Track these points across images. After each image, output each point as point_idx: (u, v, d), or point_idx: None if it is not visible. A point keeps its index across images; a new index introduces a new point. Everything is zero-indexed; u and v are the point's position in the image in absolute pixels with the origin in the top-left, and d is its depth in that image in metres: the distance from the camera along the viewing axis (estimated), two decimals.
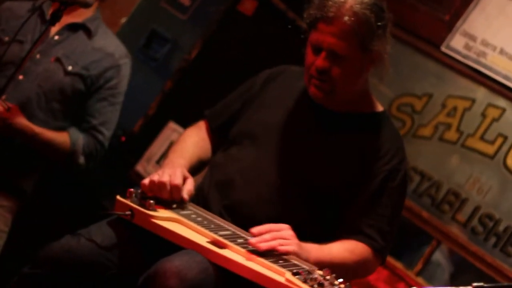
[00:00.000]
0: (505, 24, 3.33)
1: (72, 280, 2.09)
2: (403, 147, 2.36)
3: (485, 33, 3.36)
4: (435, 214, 3.29)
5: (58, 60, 2.86)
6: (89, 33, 2.93)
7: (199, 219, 2.15)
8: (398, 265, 3.23)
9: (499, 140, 3.25)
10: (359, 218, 2.24)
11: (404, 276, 3.22)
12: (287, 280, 1.83)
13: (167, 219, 2.11)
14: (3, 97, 2.72)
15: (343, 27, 2.20)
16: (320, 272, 1.82)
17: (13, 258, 2.21)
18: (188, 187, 2.21)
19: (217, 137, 2.54)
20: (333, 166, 2.29)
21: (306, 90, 2.35)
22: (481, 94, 3.35)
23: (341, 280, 1.80)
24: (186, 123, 3.80)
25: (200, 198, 2.36)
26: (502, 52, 3.31)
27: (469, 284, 1.50)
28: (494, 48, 3.33)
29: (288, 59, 3.59)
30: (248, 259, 1.96)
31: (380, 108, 2.40)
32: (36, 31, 2.87)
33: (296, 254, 2.01)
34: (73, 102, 2.89)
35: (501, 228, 3.15)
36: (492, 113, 3.30)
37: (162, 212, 2.14)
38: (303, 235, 2.06)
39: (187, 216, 2.15)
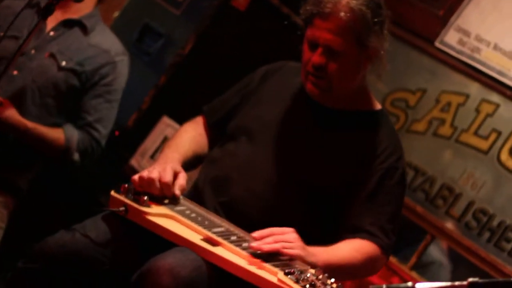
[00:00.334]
0: (499, 19, 3.33)
1: (67, 275, 2.09)
2: (401, 145, 2.36)
3: (479, 29, 3.36)
4: (429, 209, 3.29)
5: (52, 55, 2.86)
6: (85, 30, 2.92)
7: (193, 215, 2.15)
8: (392, 259, 3.23)
9: (493, 136, 3.26)
10: (360, 216, 2.24)
11: (398, 270, 3.22)
12: (279, 280, 1.84)
13: (160, 216, 2.11)
14: None
15: (339, 23, 2.20)
16: (313, 272, 1.82)
17: (9, 254, 2.20)
18: (180, 182, 2.20)
19: (214, 132, 2.53)
20: (330, 163, 2.29)
21: (303, 86, 2.35)
22: (475, 89, 3.35)
23: (333, 280, 1.80)
24: (180, 118, 3.83)
25: (195, 193, 2.35)
26: (496, 47, 3.31)
27: (465, 280, 1.50)
28: (488, 44, 3.34)
29: (282, 54, 3.58)
30: (242, 258, 1.95)
31: (378, 106, 2.40)
32: (32, 27, 2.86)
33: (301, 258, 1.99)
34: (68, 98, 2.88)
35: (495, 223, 3.15)
36: (486, 108, 3.30)
37: (156, 208, 2.14)
38: (299, 233, 2.05)
39: (181, 212, 2.14)
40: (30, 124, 2.79)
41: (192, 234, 2.05)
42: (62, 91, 2.87)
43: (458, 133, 3.33)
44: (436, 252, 3.33)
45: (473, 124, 3.31)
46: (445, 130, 3.37)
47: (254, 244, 1.96)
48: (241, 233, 2.10)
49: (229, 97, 2.54)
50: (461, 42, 3.39)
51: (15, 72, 2.83)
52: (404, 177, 2.33)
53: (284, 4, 3.90)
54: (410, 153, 3.33)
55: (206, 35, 4.03)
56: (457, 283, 1.51)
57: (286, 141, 2.34)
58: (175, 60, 4.03)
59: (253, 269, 1.90)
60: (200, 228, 2.07)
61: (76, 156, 2.90)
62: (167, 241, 2.05)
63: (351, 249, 2.18)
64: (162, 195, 2.18)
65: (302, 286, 1.78)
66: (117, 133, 3.84)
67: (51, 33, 2.90)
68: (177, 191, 2.19)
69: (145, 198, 2.12)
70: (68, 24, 2.93)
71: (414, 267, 3.25)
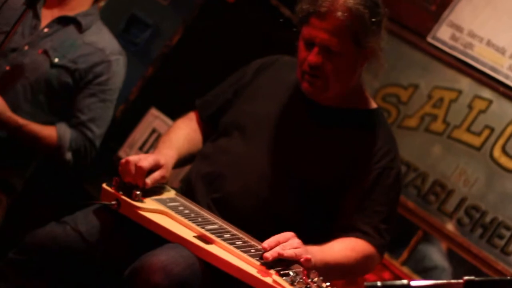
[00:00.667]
0: (492, 15, 3.33)
1: (57, 267, 2.08)
2: (396, 145, 2.36)
3: (472, 24, 3.36)
4: (421, 205, 3.29)
5: (45, 52, 2.82)
6: (79, 27, 2.87)
7: (187, 211, 2.13)
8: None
9: (486, 132, 3.26)
10: (354, 216, 2.24)
11: (389, 265, 3.22)
12: (274, 281, 1.83)
13: (153, 211, 2.10)
14: None
15: (336, 23, 2.18)
16: (308, 274, 1.81)
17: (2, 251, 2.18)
18: (154, 175, 2.17)
19: (208, 127, 2.52)
20: (325, 160, 2.28)
21: (298, 83, 2.33)
22: (467, 85, 3.35)
23: (328, 283, 1.79)
24: (168, 110, 3.82)
25: (187, 189, 2.33)
26: (489, 43, 3.31)
27: (460, 278, 1.51)
28: (481, 40, 3.34)
29: (271, 46, 3.58)
30: (236, 256, 1.94)
31: (373, 105, 2.40)
32: (26, 24, 2.82)
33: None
34: (60, 96, 2.84)
35: (487, 219, 3.16)
36: (479, 104, 3.30)
37: (149, 204, 2.13)
38: (291, 230, 2.03)
39: (174, 209, 2.13)
40: (21, 120, 2.75)
41: (185, 230, 2.04)
42: (55, 88, 2.83)
43: (451, 129, 3.34)
44: (438, 256, 3.33)
45: (465, 120, 3.31)
46: (438, 126, 3.37)
47: (268, 254, 1.91)
48: (234, 230, 2.08)
49: (222, 91, 2.52)
50: (453, 37, 3.39)
51: (7, 68, 2.79)
52: (399, 177, 2.34)
53: None
54: (402, 149, 3.29)
55: (194, 26, 4.01)
56: (452, 281, 1.51)
57: (280, 137, 2.33)
58: (162, 51, 4.01)
59: (248, 268, 1.89)
60: (193, 225, 2.05)
61: (68, 156, 2.85)
62: (159, 237, 2.04)
63: (346, 248, 2.18)
64: (134, 181, 2.14)
65: None
66: None
67: (45, 30, 2.87)
68: (147, 180, 2.15)
69: (138, 192, 2.11)
70: (63, 21, 2.90)
71: (405, 263, 3.25)
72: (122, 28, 4.13)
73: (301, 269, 1.87)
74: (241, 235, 2.05)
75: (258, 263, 1.90)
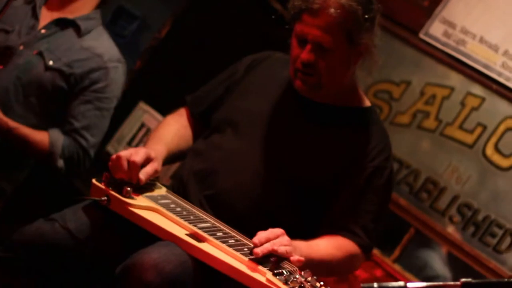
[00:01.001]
0: (485, 12, 3.33)
1: (45, 265, 2.05)
2: (390, 144, 2.35)
3: (464, 21, 3.35)
4: (413, 202, 3.29)
5: (40, 53, 2.77)
6: (78, 31, 2.81)
7: (178, 209, 2.11)
8: (376, 251, 3.23)
9: (479, 130, 3.26)
10: (344, 214, 2.23)
11: (381, 263, 3.22)
12: (268, 280, 1.81)
13: (144, 208, 2.07)
14: None
15: (329, 20, 2.16)
16: (302, 273, 1.80)
17: None
18: (147, 169, 2.15)
19: (199, 123, 2.50)
20: (318, 157, 2.28)
21: (291, 80, 2.31)
22: (460, 82, 3.34)
23: (322, 282, 1.78)
24: (157, 104, 3.79)
25: (179, 186, 2.32)
26: (482, 40, 3.31)
27: (458, 280, 1.51)
28: (473, 36, 3.33)
29: (260, 39, 3.55)
30: (228, 255, 1.92)
31: (367, 103, 2.39)
32: (24, 23, 2.76)
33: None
34: (53, 100, 2.77)
35: (479, 217, 3.16)
36: (472, 102, 3.30)
37: (140, 200, 2.10)
38: (284, 228, 2.02)
39: (166, 206, 2.11)
40: (12, 123, 2.70)
41: (177, 228, 2.02)
42: (47, 91, 2.76)
43: (443, 126, 3.33)
44: (439, 265, 3.32)
45: (458, 118, 3.31)
46: (430, 123, 3.37)
47: (258, 250, 1.91)
48: (227, 229, 2.07)
49: (213, 88, 2.51)
50: (446, 34, 3.38)
51: (0, 67, 2.73)
52: (392, 177, 2.33)
53: None
54: (394, 146, 3.27)
55: (183, 18, 3.98)
56: (449, 283, 1.51)
57: (273, 134, 2.31)
58: (151, 43, 3.98)
59: (241, 267, 1.88)
60: (185, 223, 2.03)
61: (60, 163, 2.78)
62: (150, 234, 2.02)
63: (332, 246, 2.18)
64: (128, 178, 2.11)
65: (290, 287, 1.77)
66: None
67: (42, 31, 2.81)
68: (141, 176, 2.12)
69: (129, 189, 2.08)
70: (61, 23, 2.84)
71: (397, 260, 3.25)
72: (109, 20, 4.09)
73: (295, 268, 1.87)
74: (233, 234, 2.04)
75: (252, 263, 1.88)
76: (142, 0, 4.13)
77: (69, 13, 2.84)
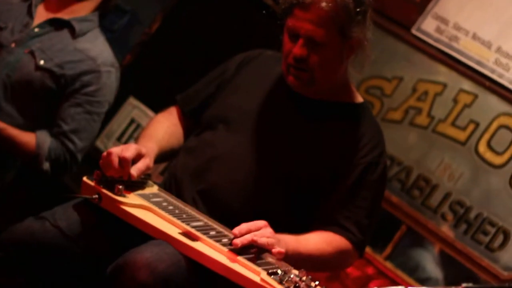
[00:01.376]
0: (478, 8, 3.32)
1: (36, 264, 2.03)
2: (383, 140, 2.35)
3: (457, 17, 3.34)
4: (404, 199, 3.29)
5: (31, 52, 2.72)
6: (73, 32, 2.77)
7: (171, 207, 2.10)
8: (367, 249, 3.21)
9: (471, 127, 3.26)
10: (336, 209, 2.22)
11: (372, 260, 3.22)
12: (262, 280, 1.80)
13: (136, 206, 2.05)
14: None
15: (321, 14, 2.16)
16: (296, 273, 1.79)
17: None
18: (139, 165, 2.13)
19: (190, 121, 2.49)
20: (311, 153, 2.27)
21: (283, 76, 2.30)
22: (453, 79, 3.34)
23: (317, 282, 1.76)
24: (147, 99, 3.77)
25: (172, 183, 2.30)
26: (474, 37, 3.30)
27: (459, 284, 1.50)
28: (466, 33, 3.32)
29: (251, 34, 3.54)
30: (222, 254, 1.91)
31: (360, 99, 2.39)
32: (18, 20, 2.73)
33: (274, 247, 1.94)
34: (43, 101, 2.73)
35: (472, 215, 3.16)
36: (464, 99, 3.30)
37: (132, 199, 2.08)
38: (277, 224, 2.02)
39: (158, 204, 2.09)
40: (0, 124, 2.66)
41: (170, 227, 2.01)
42: (36, 91, 2.72)
43: (435, 123, 3.33)
44: (432, 267, 3.31)
45: (450, 115, 3.31)
46: (422, 119, 3.36)
47: (238, 241, 1.91)
48: (220, 228, 2.05)
49: (203, 86, 2.50)
50: (438, 30, 3.37)
51: None
52: (385, 173, 2.33)
53: None
54: (386, 142, 3.30)
55: (174, 13, 3.96)
56: (451, 287, 1.51)
57: (266, 130, 2.31)
58: (142, 38, 3.96)
59: (235, 266, 1.86)
60: (178, 222, 2.02)
61: (46, 166, 2.72)
62: (142, 232, 2.00)
63: (322, 241, 2.17)
64: (119, 174, 2.10)
65: (285, 287, 1.75)
66: None
67: (36, 30, 2.77)
68: (132, 171, 2.11)
69: (120, 187, 2.06)
70: (55, 23, 2.79)
71: (389, 258, 3.25)
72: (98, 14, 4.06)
73: (290, 267, 1.85)
74: (226, 233, 2.02)
75: (247, 262, 1.87)
76: None
77: (66, 14, 2.80)
